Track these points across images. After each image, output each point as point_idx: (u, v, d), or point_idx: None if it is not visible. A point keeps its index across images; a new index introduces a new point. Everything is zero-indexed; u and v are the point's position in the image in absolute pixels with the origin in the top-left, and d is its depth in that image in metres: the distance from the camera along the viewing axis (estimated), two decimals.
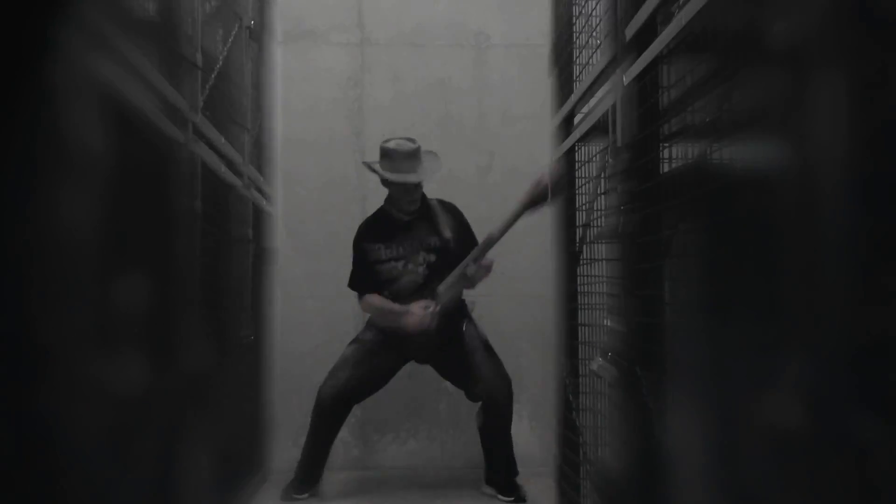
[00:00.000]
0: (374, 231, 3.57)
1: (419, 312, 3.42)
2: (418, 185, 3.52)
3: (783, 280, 1.14)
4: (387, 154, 3.49)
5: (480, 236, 3.73)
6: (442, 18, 4.16)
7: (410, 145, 3.50)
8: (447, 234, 3.53)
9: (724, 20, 1.39)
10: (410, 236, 3.53)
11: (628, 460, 1.97)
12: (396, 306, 3.48)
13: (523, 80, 4.11)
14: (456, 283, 3.45)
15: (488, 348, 3.54)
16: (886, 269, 0.92)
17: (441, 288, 3.45)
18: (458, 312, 3.55)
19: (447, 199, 3.71)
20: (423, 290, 3.49)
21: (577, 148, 2.77)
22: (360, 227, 3.64)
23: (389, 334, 3.50)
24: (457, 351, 3.51)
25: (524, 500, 3.43)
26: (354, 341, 3.59)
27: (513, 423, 3.59)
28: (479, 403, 3.55)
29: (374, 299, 3.54)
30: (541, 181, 3.28)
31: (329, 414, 3.52)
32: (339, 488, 3.66)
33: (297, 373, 4.01)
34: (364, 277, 3.57)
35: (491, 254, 3.51)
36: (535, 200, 3.34)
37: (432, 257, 3.52)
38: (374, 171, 3.54)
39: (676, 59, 1.72)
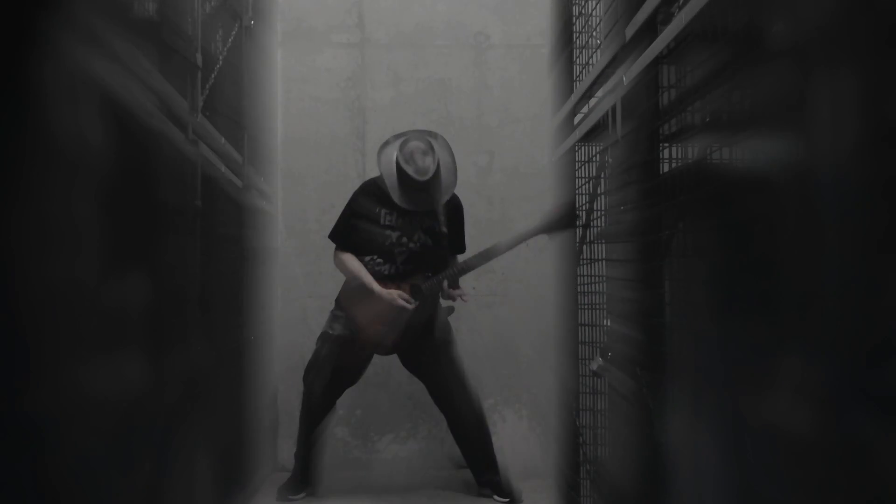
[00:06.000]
0: (379, 193, 3.46)
1: (397, 301, 3.37)
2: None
3: (784, 280, 1.14)
4: (404, 178, 3.35)
5: (480, 236, 3.73)
6: (442, 18, 4.16)
7: (429, 166, 3.33)
8: (444, 227, 3.48)
9: (724, 20, 1.39)
10: (413, 212, 3.42)
11: (628, 460, 1.97)
12: (372, 281, 3.40)
13: (523, 80, 4.11)
14: (436, 287, 3.42)
15: (456, 380, 3.52)
16: (888, 268, 0.92)
17: (425, 287, 3.41)
18: (430, 320, 3.51)
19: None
20: (407, 274, 3.43)
21: (577, 148, 2.77)
22: (367, 183, 3.55)
23: (358, 328, 3.45)
24: (422, 358, 3.52)
25: (520, 501, 3.43)
26: (328, 338, 3.50)
27: (512, 422, 3.60)
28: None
29: (353, 262, 3.45)
30: (563, 206, 3.06)
31: (318, 410, 3.53)
32: (339, 488, 3.66)
33: (297, 372, 4.01)
34: (349, 232, 3.49)
35: None
36: (552, 226, 3.16)
37: (428, 240, 3.44)
38: (387, 185, 3.42)
39: (676, 59, 1.72)
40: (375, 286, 3.39)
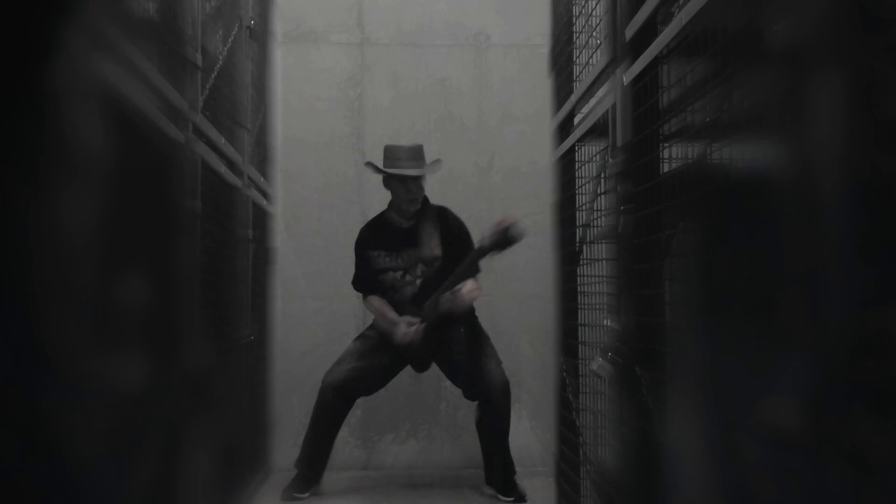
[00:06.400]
0: (374, 237, 3.61)
1: (402, 329, 3.47)
2: (418, 182, 3.52)
3: (783, 280, 1.14)
4: (388, 152, 3.55)
5: (480, 236, 3.74)
6: (442, 18, 4.16)
7: (413, 144, 3.58)
8: (439, 249, 3.55)
9: (724, 20, 1.39)
10: (409, 246, 3.56)
11: (628, 460, 1.97)
12: (390, 315, 3.54)
13: (523, 80, 4.11)
14: (437, 305, 3.48)
15: (487, 349, 3.54)
16: (885, 269, 0.92)
17: (427, 305, 3.49)
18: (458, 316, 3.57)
19: (448, 199, 3.71)
20: (421, 299, 3.53)
21: (577, 148, 2.77)
22: (362, 232, 3.67)
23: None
24: (455, 351, 3.52)
25: (524, 501, 3.43)
26: (360, 336, 3.64)
27: (513, 422, 3.59)
28: (477, 403, 3.55)
29: (374, 302, 3.62)
30: (502, 223, 3.31)
31: (330, 405, 3.53)
32: (340, 488, 3.66)
33: (297, 372, 4.01)
34: (366, 279, 3.63)
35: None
36: (496, 244, 3.33)
37: (429, 270, 3.56)
38: (375, 168, 3.57)
39: (676, 59, 1.72)
40: (393, 319, 3.51)
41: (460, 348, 3.53)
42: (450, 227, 3.59)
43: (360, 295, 3.73)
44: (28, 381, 1.16)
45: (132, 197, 1.67)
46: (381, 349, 3.54)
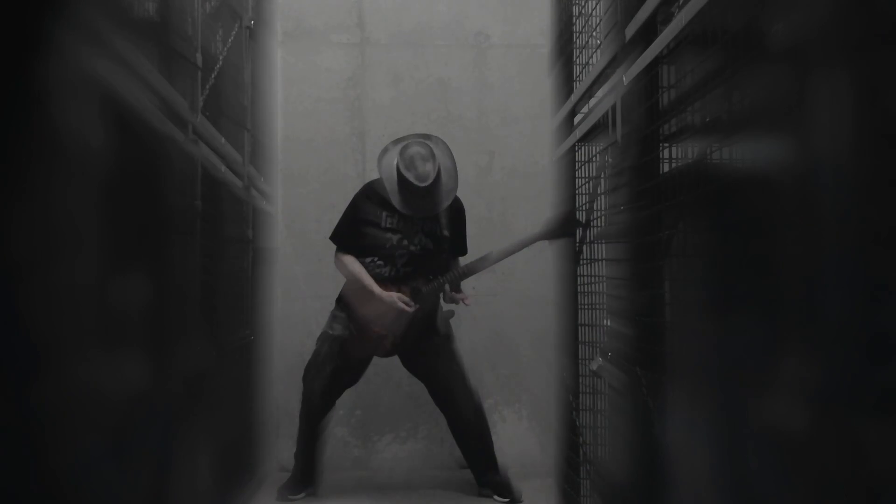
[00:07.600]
0: (380, 196, 3.44)
1: (397, 305, 3.37)
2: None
3: (784, 280, 1.14)
4: (405, 184, 3.32)
5: (480, 235, 3.73)
6: (442, 18, 4.16)
7: (430, 172, 3.30)
8: (446, 231, 3.48)
9: (724, 20, 1.39)
10: (418, 211, 3.40)
11: (628, 460, 1.97)
12: (368, 280, 3.40)
13: (523, 80, 4.11)
14: (437, 291, 3.42)
15: (456, 369, 3.53)
16: (887, 267, 0.92)
17: (425, 290, 3.41)
18: (431, 321, 3.51)
19: None
20: (408, 276, 3.43)
21: (577, 148, 2.77)
22: (367, 186, 3.54)
23: (357, 329, 3.45)
24: (423, 357, 3.53)
25: (520, 501, 3.43)
26: (328, 338, 3.51)
27: (513, 422, 3.60)
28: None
29: (354, 264, 3.45)
30: (563, 213, 3.05)
31: (318, 410, 3.54)
32: (339, 488, 3.66)
33: (297, 372, 4.01)
34: (350, 234, 3.48)
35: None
36: (553, 233, 3.15)
37: (429, 243, 3.44)
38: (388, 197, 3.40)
39: (676, 59, 1.72)
40: (376, 288, 3.39)
41: (427, 360, 3.52)
42: (455, 211, 3.51)
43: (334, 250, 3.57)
44: (21, 380, 1.16)
45: (131, 197, 1.66)
46: (353, 347, 3.47)
